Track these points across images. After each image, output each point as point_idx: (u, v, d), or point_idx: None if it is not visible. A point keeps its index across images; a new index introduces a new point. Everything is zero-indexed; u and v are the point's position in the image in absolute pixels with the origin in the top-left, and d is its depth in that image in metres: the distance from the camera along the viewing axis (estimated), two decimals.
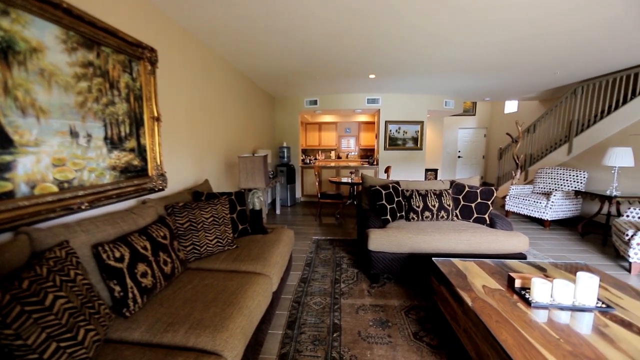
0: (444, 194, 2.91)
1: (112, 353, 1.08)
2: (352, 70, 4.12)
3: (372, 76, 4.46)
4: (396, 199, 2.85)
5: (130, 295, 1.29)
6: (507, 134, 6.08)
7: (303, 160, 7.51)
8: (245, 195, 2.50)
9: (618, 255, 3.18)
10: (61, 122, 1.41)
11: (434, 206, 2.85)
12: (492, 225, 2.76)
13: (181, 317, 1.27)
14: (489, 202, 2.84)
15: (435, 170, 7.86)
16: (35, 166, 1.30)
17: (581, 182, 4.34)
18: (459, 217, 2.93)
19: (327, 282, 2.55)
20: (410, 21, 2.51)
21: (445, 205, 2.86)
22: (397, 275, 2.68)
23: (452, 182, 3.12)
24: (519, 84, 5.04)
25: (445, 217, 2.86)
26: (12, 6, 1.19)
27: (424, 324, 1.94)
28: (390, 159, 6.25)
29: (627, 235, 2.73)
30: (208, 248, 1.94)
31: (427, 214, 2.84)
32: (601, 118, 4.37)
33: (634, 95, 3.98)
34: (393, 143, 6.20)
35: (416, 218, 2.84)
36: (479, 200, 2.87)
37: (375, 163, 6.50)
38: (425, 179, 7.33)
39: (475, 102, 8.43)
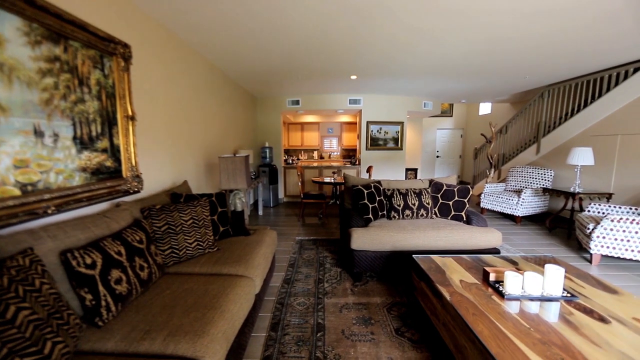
0: (423, 193, 3.00)
1: None
2: (333, 71, 4.14)
3: (353, 77, 4.51)
4: (378, 198, 2.90)
5: (103, 303, 1.22)
6: (482, 134, 6.36)
7: (286, 160, 7.46)
8: (226, 196, 2.45)
9: (581, 248, 3.42)
10: (24, 121, 1.31)
11: (414, 205, 2.92)
12: (468, 222, 2.87)
13: (159, 323, 1.22)
14: (466, 200, 2.96)
15: (415, 170, 8.08)
16: None
17: (548, 180, 4.62)
18: (438, 214, 3.03)
19: (311, 282, 2.56)
20: (389, 27, 2.56)
21: (425, 204, 2.95)
22: (379, 273, 2.73)
23: (431, 181, 3.22)
24: (492, 87, 5.29)
25: (425, 215, 2.94)
26: None
27: (405, 319, 1.99)
28: (372, 158, 6.35)
29: (588, 229, 2.95)
30: (188, 251, 1.88)
31: (407, 212, 2.91)
32: (565, 120, 4.68)
33: (593, 99, 4.29)
34: (374, 143, 6.30)
35: (397, 216, 2.91)
36: (456, 198, 2.98)
37: (357, 163, 6.58)
38: (406, 178, 7.52)
39: (452, 104, 8.75)
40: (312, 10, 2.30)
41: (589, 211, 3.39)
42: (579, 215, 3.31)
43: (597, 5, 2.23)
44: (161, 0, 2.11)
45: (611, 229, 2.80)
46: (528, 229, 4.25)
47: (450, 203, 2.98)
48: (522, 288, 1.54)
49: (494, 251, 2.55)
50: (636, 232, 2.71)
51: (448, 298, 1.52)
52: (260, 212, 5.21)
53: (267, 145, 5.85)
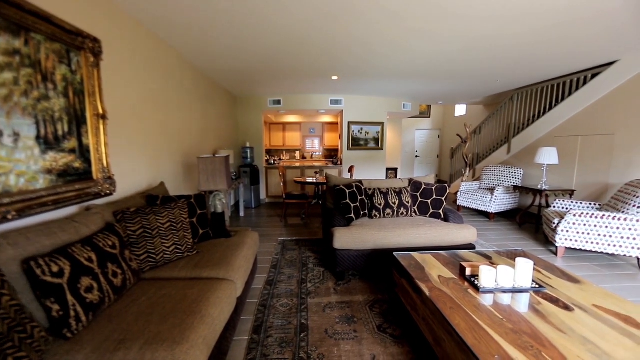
0: (403, 192, 3.07)
1: None
2: (314, 71, 4.15)
3: (334, 77, 4.54)
4: (359, 198, 2.94)
5: (72, 313, 1.15)
6: (458, 135, 6.63)
7: (267, 160, 7.38)
8: (206, 198, 2.39)
9: (547, 241, 3.65)
10: None
11: (394, 203, 2.99)
12: (446, 219, 2.98)
13: (135, 332, 1.17)
14: (443, 198, 3.07)
15: (396, 169, 8.27)
16: None
17: (518, 178, 4.90)
18: (417, 213, 3.12)
19: (294, 282, 2.55)
20: (367, 32, 2.61)
21: (405, 202, 3.03)
22: (361, 271, 2.77)
23: (410, 180, 3.31)
24: (466, 89, 5.53)
25: (405, 213, 3.02)
26: None
27: (387, 316, 2.04)
28: (354, 158, 6.43)
29: (554, 223, 3.15)
30: (165, 255, 1.82)
31: (388, 211, 2.97)
32: (533, 122, 4.98)
33: (557, 102, 4.60)
34: (356, 143, 6.38)
35: (378, 215, 2.96)
36: (434, 196, 3.08)
37: (339, 163, 6.64)
38: (386, 177, 7.67)
39: (430, 105, 9.04)
40: (290, 14, 2.29)
41: (554, 207, 3.63)
42: (545, 211, 3.53)
43: (561, 17, 2.39)
44: None
45: (574, 223, 3.01)
46: (500, 224, 4.48)
47: (429, 201, 3.08)
48: (496, 281, 1.62)
49: (470, 247, 2.67)
50: (595, 226, 2.93)
51: (427, 293, 1.57)
52: (242, 214, 5.12)
53: (248, 145, 5.75)
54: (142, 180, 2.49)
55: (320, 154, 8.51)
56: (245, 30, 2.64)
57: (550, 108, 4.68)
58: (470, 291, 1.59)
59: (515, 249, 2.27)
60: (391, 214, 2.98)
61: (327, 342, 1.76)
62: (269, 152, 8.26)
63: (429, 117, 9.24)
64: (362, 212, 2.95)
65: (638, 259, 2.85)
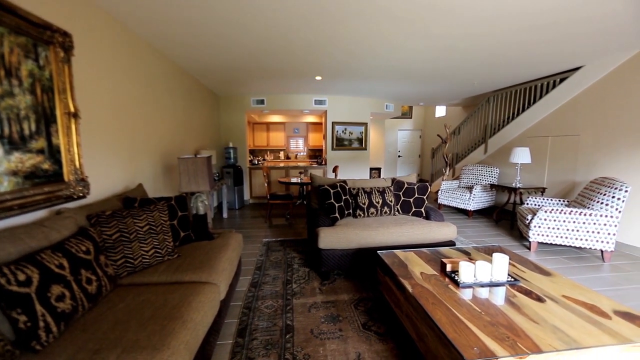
0: (386, 191, 3.13)
1: None
2: (298, 71, 4.14)
3: (318, 78, 4.55)
4: (344, 198, 2.96)
5: (41, 324, 1.08)
6: (438, 135, 6.83)
7: (251, 161, 7.28)
8: (187, 199, 2.32)
9: (522, 236, 3.84)
10: None
11: (378, 203, 3.04)
12: (427, 217, 3.06)
13: (111, 341, 1.12)
14: (425, 197, 3.16)
15: (379, 169, 8.41)
16: None
17: (495, 177, 5.12)
18: (400, 211, 3.19)
19: (279, 283, 2.53)
20: (354, 29, 2.63)
21: (388, 201, 3.08)
22: (346, 270, 2.80)
23: (393, 180, 3.38)
24: (446, 91, 5.71)
25: (388, 212, 3.08)
26: None
27: (371, 314, 2.06)
28: (338, 158, 6.47)
29: (527, 219, 3.32)
30: (144, 260, 1.75)
31: (372, 210, 3.02)
32: (508, 123, 5.22)
33: (529, 104, 4.85)
34: (340, 143, 6.43)
35: (362, 215, 3.00)
36: (416, 195, 3.16)
37: (323, 163, 6.66)
38: (370, 177, 7.78)
39: (412, 107, 9.26)
40: (271, 12, 2.28)
41: (527, 204, 3.82)
42: (519, 208, 3.71)
43: (532, 21, 2.53)
44: None
45: (545, 219, 3.18)
46: (479, 221, 4.66)
47: (411, 200, 3.16)
48: (475, 276, 1.68)
49: (450, 243, 2.76)
50: (564, 221, 3.12)
51: (410, 290, 1.61)
52: (225, 215, 5.02)
53: (231, 145, 5.65)
54: (118, 182, 2.38)
55: (305, 154, 8.50)
56: (225, 27, 2.60)
57: (524, 110, 4.93)
58: (451, 286, 1.64)
59: (492, 245, 2.37)
60: (375, 213, 3.03)
61: (313, 342, 1.76)
62: (252, 152, 8.15)
63: (411, 117, 9.46)
64: (346, 212, 2.98)
65: (601, 251, 3.05)
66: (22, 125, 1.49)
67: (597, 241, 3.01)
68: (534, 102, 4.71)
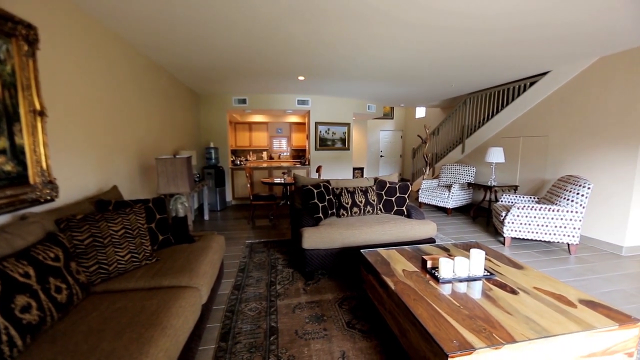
0: (369, 191, 3.18)
1: None
2: (281, 71, 4.11)
3: (301, 78, 4.54)
4: (327, 197, 2.98)
5: (4, 337, 1.01)
6: (418, 135, 7.02)
7: (233, 161, 7.14)
8: (166, 201, 2.24)
9: (497, 232, 4.03)
10: None
11: (361, 202, 3.08)
12: (409, 215, 3.14)
13: (83, 352, 1.06)
14: (406, 196, 3.23)
15: (362, 169, 8.51)
16: None
17: (471, 176, 5.33)
18: (382, 210, 3.24)
19: (263, 285, 2.50)
20: (336, 30, 2.65)
21: (371, 201, 3.13)
22: (330, 270, 2.81)
23: (375, 179, 3.43)
24: (425, 93, 5.88)
25: (371, 211, 3.12)
26: None
27: (355, 312, 2.09)
28: (321, 158, 6.49)
29: (502, 216, 3.49)
30: (120, 265, 1.67)
31: (355, 209, 3.05)
32: (483, 124, 5.45)
33: (503, 106, 5.09)
34: (323, 143, 6.45)
35: (346, 214, 3.03)
36: (398, 194, 3.23)
37: (307, 163, 6.65)
38: (353, 177, 7.86)
39: (393, 107, 9.45)
40: (252, 9, 2.25)
41: (501, 201, 4.01)
42: (494, 205, 3.89)
43: (504, 33, 2.66)
44: None
45: (518, 216, 3.36)
46: (457, 219, 4.83)
47: (393, 199, 3.22)
48: (453, 271, 1.75)
49: (431, 240, 2.84)
50: (534, 217, 3.30)
51: (392, 287, 1.64)
52: (206, 217, 4.89)
53: (212, 145, 5.52)
54: (91, 184, 2.26)
55: (288, 154, 8.46)
56: (203, 24, 2.53)
57: (498, 112, 5.17)
58: (431, 282, 1.69)
59: (469, 241, 2.47)
60: (358, 212, 3.06)
61: (298, 342, 1.76)
62: (234, 152, 8.00)
63: (392, 118, 9.66)
64: (330, 212, 2.99)
65: (568, 244, 3.26)
66: None
67: (564, 235, 3.21)
68: (507, 104, 4.95)
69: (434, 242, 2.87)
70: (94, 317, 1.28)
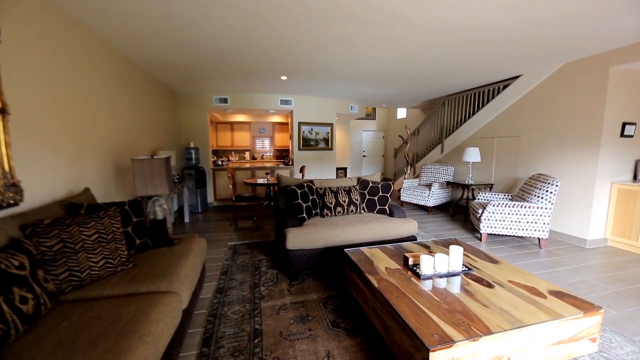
0: (352, 190, 3.21)
1: None
2: (263, 70, 4.07)
3: (284, 77, 4.51)
4: (311, 197, 2.98)
5: None
6: (400, 136, 7.18)
7: (214, 162, 6.98)
8: (143, 204, 2.15)
9: (474, 229, 4.20)
10: None
11: (344, 202, 3.11)
12: (391, 214, 3.20)
13: None
14: (388, 195, 3.30)
15: (345, 169, 8.59)
16: None
17: (450, 175, 5.52)
18: (365, 209, 3.29)
19: (246, 288, 2.46)
20: (315, 32, 2.66)
21: (354, 200, 3.16)
22: (315, 270, 2.81)
23: (358, 179, 3.47)
24: (406, 94, 6.02)
25: (354, 210, 3.16)
26: None
27: (340, 311, 2.10)
28: (305, 158, 6.48)
29: (478, 213, 3.64)
30: (93, 272, 1.59)
31: (339, 209, 3.07)
32: (461, 125, 5.66)
33: (479, 108, 5.31)
34: (306, 144, 6.44)
35: (330, 214, 3.04)
36: (380, 193, 3.28)
37: (290, 163, 6.62)
38: (337, 177, 7.91)
39: (375, 108, 9.60)
40: (233, 7, 2.21)
41: (478, 199, 4.18)
42: (472, 203, 4.05)
43: (478, 34, 2.77)
44: None
45: (493, 212, 3.51)
46: (437, 217, 4.99)
47: (376, 198, 3.28)
48: (434, 268, 1.80)
49: (412, 238, 2.91)
50: (508, 214, 3.47)
51: (376, 285, 1.67)
52: (187, 219, 4.75)
53: (192, 145, 5.36)
54: (60, 187, 2.13)
55: (271, 154, 8.38)
56: (179, 20, 2.46)
57: (474, 113, 5.39)
58: (413, 279, 1.74)
59: (449, 238, 2.56)
60: (342, 212, 3.09)
61: (282, 344, 1.74)
62: (216, 152, 7.82)
63: (374, 119, 9.81)
64: (314, 212, 3.00)
65: (539, 239, 3.46)
66: None
67: (535, 230, 3.40)
68: (483, 106, 5.17)
69: (416, 239, 2.94)
70: (65, 327, 1.21)
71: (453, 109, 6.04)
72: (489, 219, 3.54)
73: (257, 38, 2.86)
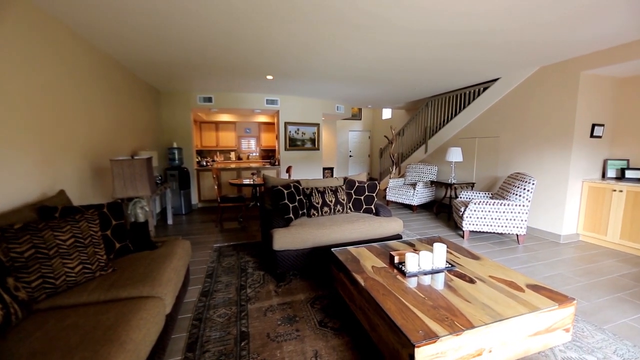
0: (339, 190, 3.23)
1: None
2: (248, 69, 4.02)
3: (269, 77, 4.48)
4: (298, 198, 2.97)
5: None
6: (385, 136, 7.29)
7: (199, 162, 6.83)
8: (123, 206, 2.08)
9: (457, 227, 4.32)
10: None
11: (331, 201, 3.12)
12: (377, 213, 3.24)
13: None
14: (374, 195, 3.34)
15: (332, 169, 8.62)
16: None
17: (434, 174, 5.66)
18: (352, 209, 3.32)
19: (232, 290, 2.42)
20: (300, 32, 2.66)
21: (341, 200, 3.18)
22: (302, 270, 2.81)
23: (345, 179, 3.49)
24: (390, 95, 6.12)
25: (341, 210, 3.18)
26: None
27: (327, 311, 2.11)
28: (291, 159, 6.45)
29: (461, 211, 3.75)
30: (69, 278, 1.51)
31: (325, 209, 3.08)
32: (444, 125, 5.81)
33: (460, 109, 5.47)
34: (293, 144, 6.42)
35: (316, 214, 3.05)
36: (366, 193, 3.32)
37: (276, 163, 6.57)
38: (323, 177, 7.94)
39: (361, 109, 9.70)
40: (216, 5, 2.17)
41: (460, 198, 4.31)
42: (454, 201, 4.16)
43: (459, 38, 2.86)
44: None
45: (474, 210, 3.63)
46: (422, 215, 5.10)
47: (362, 198, 3.31)
48: (419, 265, 1.84)
49: (398, 237, 2.96)
50: (489, 211, 3.59)
51: (362, 284, 1.69)
52: (170, 222, 4.62)
53: (175, 145, 5.22)
54: (31, 189, 2.02)
55: (257, 154, 8.29)
56: (159, 14, 2.39)
57: (456, 114, 5.55)
58: (399, 277, 1.77)
59: (433, 236, 2.62)
60: (328, 211, 3.10)
61: (270, 346, 1.73)
62: (200, 153, 7.65)
63: (360, 119, 9.91)
64: (300, 212, 2.99)
65: (517, 235, 3.60)
66: None
67: (513, 227, 3.54)
68: (464, 107, 5.33)
69: (401, 238, 2.99)
70: (38, 337, 1.14)
71: (436, 110, 6.19)
72: (470, 217, 3.65)
73: (242, 36, 2.82)
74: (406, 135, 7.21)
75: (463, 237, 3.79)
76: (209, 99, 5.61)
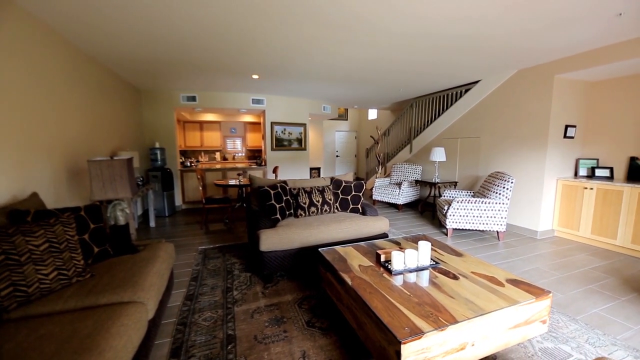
0: (326, 190, 3.24)
1: None
2: (234, 68, 3.96)
3: (255, 76, 4.43)
4: (284, 198, 2.95)
5: None
6: (371, 136, 7.37)
7: (182, 163, 6.65)
8: (102, 209, 2.00)
9: (441, 225, 4.43)
10: None
11: (318, 201, 3.12)
12: (364, 213, 3.28)
13: None
14: (361, 194, 3.37)
15: (319, 169, 8.64)
16: None
17: (418, 174, 5.78)
18: (339, 209, 3.33)
19: (218, 293, 2.38)
20: (287, 32, 2.65)
21: (328, 200, 3.19)
22: (289, 271, 2.79)
23: (332, 179, 3.51)
24: (376, 96, 6.20)
25: (328, 210, 3.19)
26: None
27: (315, 311, 2.11)
28: (278, 159, 6.41)
29: (444, 209, 3.85)
30: (43, 285, 1.44)
31: (312, 209, 3.08)
32: (428, 126, 5.95)
33: (444, 110, 5.62)
34: (279, 144, 6.38)
35: (304, 214, 3.04)
36: (353, 193, 3.35)
37: (263, 164, 6.51)
38: (310, 177, 7.94)
39: (347, 109, 9.77)
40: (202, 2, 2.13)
41: (444, 196, 4.42)
42: (438, 200, 4.27)
43: (439, 43, 2.94)
44: None
45: (457, 209, 3.74)
46: (407, 214, 5.20)
47: (349, 197, 3.33)
48: (404, 263, 1.87)
49: (384, 236, 3.01)
50: (471, 209, 3.71)
51: (349, 282, 1.70)
52: (153, 224, 4.48)
53: (157, 146, 5.06)
54: (1, 192, 1.90)
55: (243, 154, 8.18)
56: (139, 11, 2.31)
57: (440, 115, 5.69)
58: (385, 275, 1.79)
59: (418, 234, 2.68)
60: (316, 211, 3.10)
61: (257, 348, 1.71)
62: (184, 153, 7.46)
63: (347, 119, 9.98)
64: (287, 212, 2.97)
65: (497, 232, 3.74)
66: None
67: (494, 224, 3.67)
68: (447, 108, 5.48)
69: (387, 236, 3.04)
70: (9, 350, 1.08)
71: (421, 111, 6.33)
72: (453, 215, 3.76)
73: (226, 34, 2.78)
74: (392, 135, 7.32)
75: (447, 234, 3.90)
76: (193, 98, 5.48)
